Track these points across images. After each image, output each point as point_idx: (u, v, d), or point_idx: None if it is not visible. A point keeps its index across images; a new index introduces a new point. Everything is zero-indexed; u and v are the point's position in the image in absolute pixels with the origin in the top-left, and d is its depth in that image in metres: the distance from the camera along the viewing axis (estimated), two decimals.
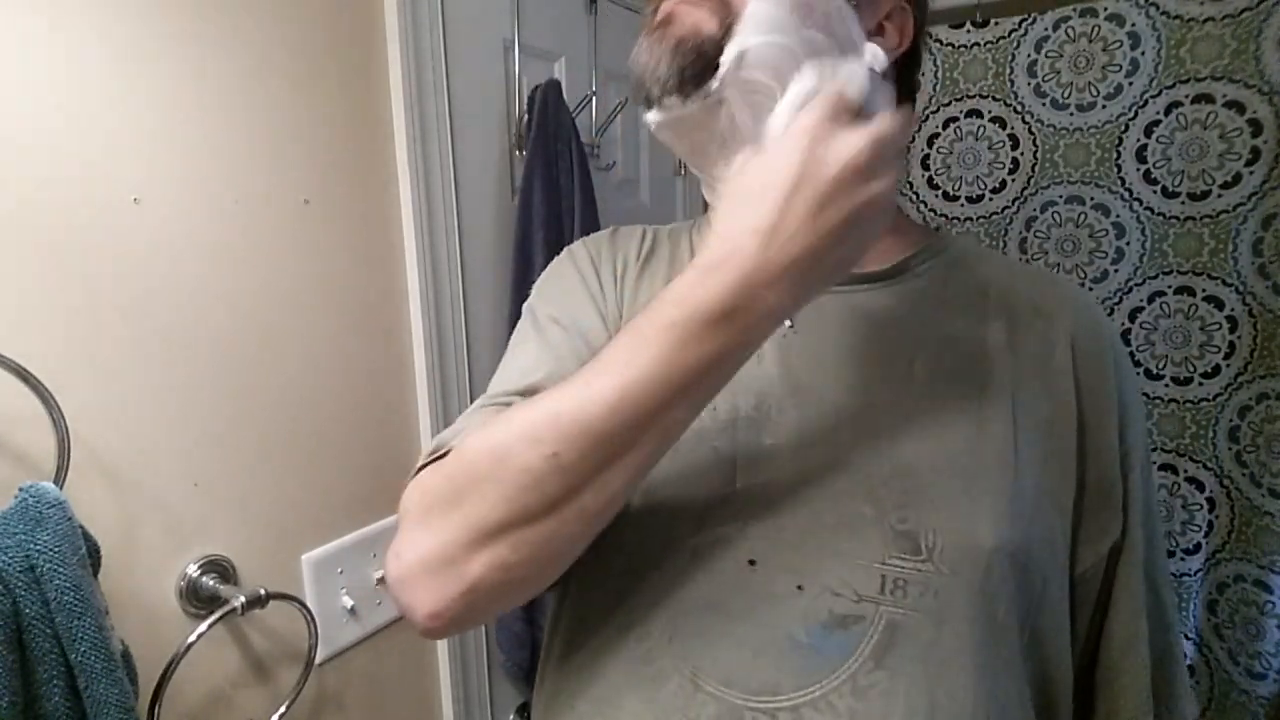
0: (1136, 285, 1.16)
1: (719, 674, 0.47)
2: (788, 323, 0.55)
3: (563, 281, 0.64)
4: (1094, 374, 0.54)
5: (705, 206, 0.61)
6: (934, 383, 0.52)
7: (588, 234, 0.68)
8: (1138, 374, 1.18)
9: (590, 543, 0.46)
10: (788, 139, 0.41)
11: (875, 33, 0.50)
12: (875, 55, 0.46)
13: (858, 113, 0.42)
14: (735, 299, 0.40)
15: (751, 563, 0.49)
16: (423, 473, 0.47)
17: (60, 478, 0.68)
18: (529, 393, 0.53)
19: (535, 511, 0.42)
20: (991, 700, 0.47)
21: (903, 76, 0.54)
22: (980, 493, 0.49)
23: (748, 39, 0.44)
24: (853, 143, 0.40)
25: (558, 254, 1.15)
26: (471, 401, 1.12)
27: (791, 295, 0.41)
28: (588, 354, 0.56)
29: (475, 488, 0.43)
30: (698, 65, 0.46)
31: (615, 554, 0.52)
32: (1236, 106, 1.06)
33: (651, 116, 0.49)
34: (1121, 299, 1.18)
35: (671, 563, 0.51)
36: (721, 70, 0.45)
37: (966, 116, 1.24)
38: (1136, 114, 1.12)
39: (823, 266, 0.41)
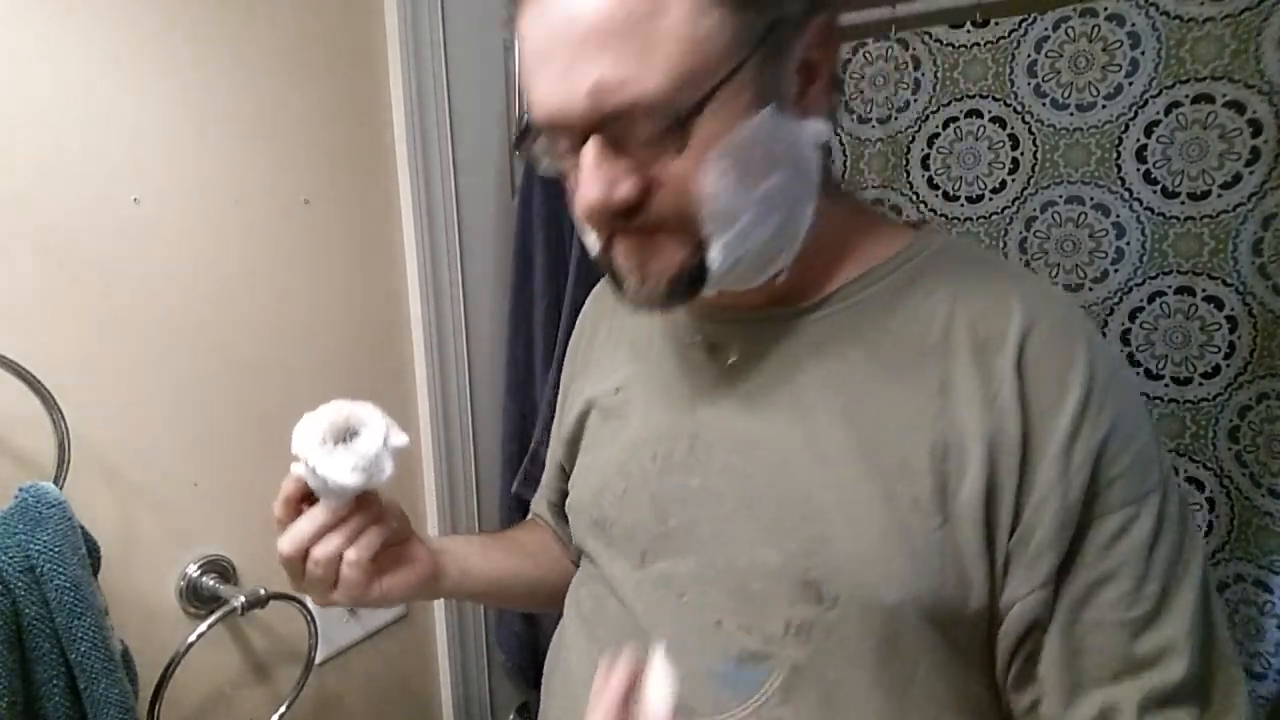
0: (1136, 285, 1.16)
1: None
2: (731, 356, 0.55)
3: (567, 350, 0.74)
4: (1045, 409, 0.46)
5: None
6: (855, 424, 0.49)
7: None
8: (1138, 374, 1.18)
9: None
10: None
11: (804, 82, 0.46)
12: (818, 134, 0.47)
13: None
14: None
15: (681, 596, 0.53)
16: None
17: (60, 478, 0.68)
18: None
19: None
20: None
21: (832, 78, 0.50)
22: (889, 544, 0.47)
23: (725, 239, 0.45)
24: None
25: (558, 255, 1.18)
26: (471, 401, 1.12)
27: None
28: (563, 440, 0.68)
29: None
30: (694, 285, 0.47)
31: (590, 575, 0.61)
32: (1236, 106, 1.05)
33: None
34: (1121, 299, 1.17)
35: (623, 591, 0.56)
36: (711, 276, 0.47)
37: (966, 116, 1.24)
38: (1136, 114, 1.12)
39: None
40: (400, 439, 0.54)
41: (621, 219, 0.45)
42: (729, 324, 0.55)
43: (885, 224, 0.56)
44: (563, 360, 0.75)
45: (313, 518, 0.54)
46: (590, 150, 0.43)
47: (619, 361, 0.64)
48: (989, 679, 0.50)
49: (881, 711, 0.48)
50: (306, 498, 0.55)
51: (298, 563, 0.55)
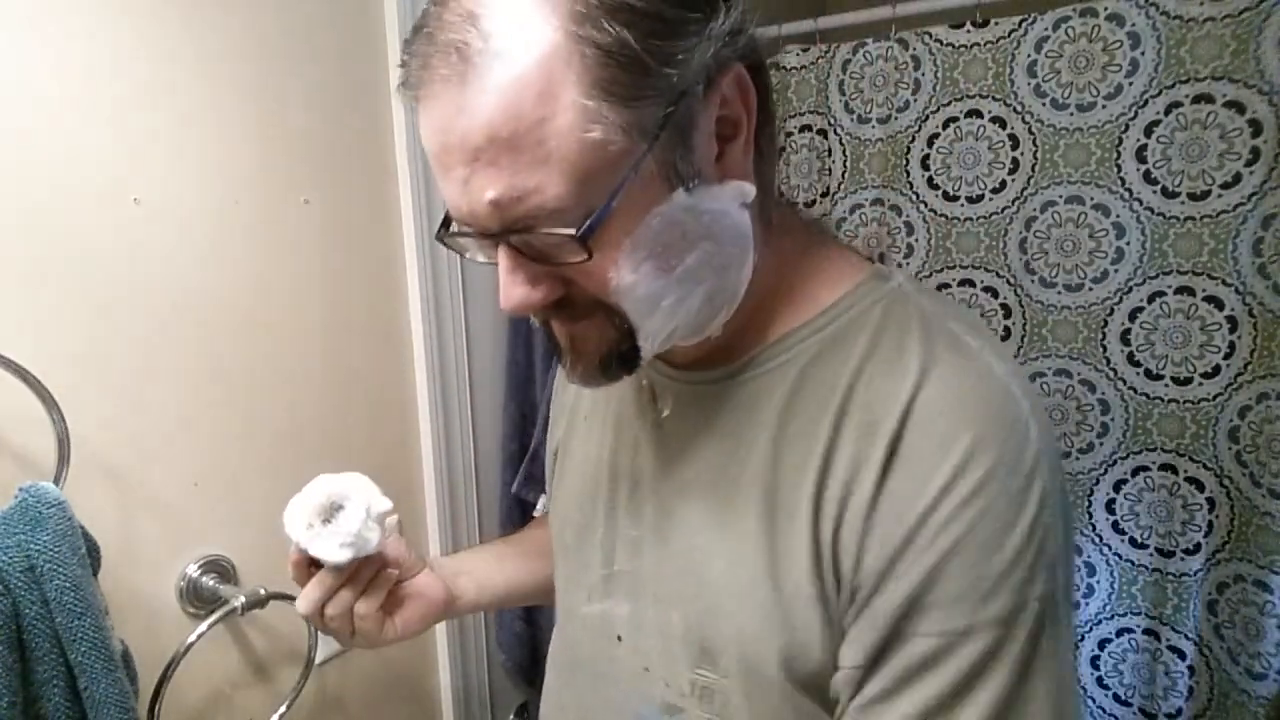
0: (1136, 285, 1.16)
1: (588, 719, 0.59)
2: (664, 410, 0.55)
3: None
4: (903, 505, 0.43)
5: None
6: (753, 497, 0.48)
7: None
8: (1138, 374, 1.18)
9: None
10: None
11: (725, 141, 0.44)
12: (742, 193, 0.44)
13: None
14: None
15: (619, 638, 0.56)
16: None
17: (60, 478, 0.68)
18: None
19: None
20: None
21: (765, 136, 0.47)
22: (772, 624, 0.46)
23: (650, 324, 0.44)
24: None
25: None
26: (472, 403, 1.12)
27: None
28: (550, 452, 0.70)
29: None
30: (627, 361, 0.47)
31: (558, 599, 0.65)
32: (1236, 106, 1.05)
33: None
34: (1121, 299, 1.18)
35: (572, 624, 0.61)
36: (643, 352, 0.46)
37: (966, 116, 1.24)
38: (1136, 114, 1.12)
39: None
40: (382, 505, 0.58)
41: (548, 310, 0.45)
42: (665, 378, 0.55)
43: (831, 264, 0.52)
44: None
45: (320, 582, 0.59)
46: (503, 257, 0.42)
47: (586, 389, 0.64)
48: None
49: None
50: (315, 561, 0.59)
51: (317, 619, 0.60)
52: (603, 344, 0.46)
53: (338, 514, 0.57)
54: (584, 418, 0.63)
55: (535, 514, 0.84)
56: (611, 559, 0.57)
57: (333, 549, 0.56)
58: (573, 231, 0.39)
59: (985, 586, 0.41)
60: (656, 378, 0.56)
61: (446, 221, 0.46)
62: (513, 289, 0.43)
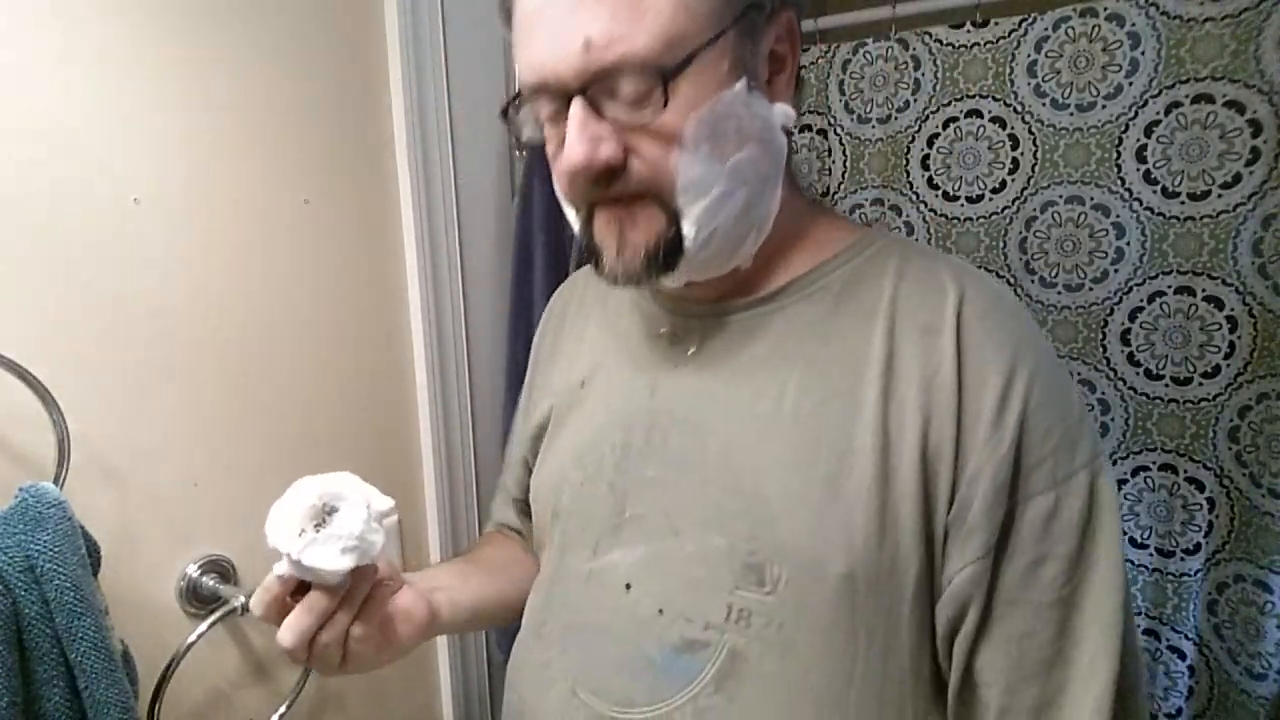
0: (1136, 285, 1.16)
1: (591, 684, 0.54)
2: (691, 348, 0.56)
3: (534, 342, 0.75)
4: (979, 392, 0.48)
5: None
6: (802, 409, 0.50)
7: None
8: (1138, 374, 1.18)
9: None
10: None
11: (772, 74, 0.50)
12: (787, 116, 0.50)
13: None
14: None
15: (628, 586, 0.54)
16: None
17: (60, 478, 0.68)
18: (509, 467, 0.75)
19: None
20: None
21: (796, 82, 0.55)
22: (832, 523, 0.48)
23: (697, 210, 0.47)
24: None
25: (558, 255, 1.17)
26: (472, 403, 1.12)
27: None
28: (528, 436, 0.68)
29: None
30: (670, 259, 0.49)
31: (544, 577, 0.62)
32: (1236, 106, 1.05)
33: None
34: (1121, 299, 1.17)
35: (572, 585, 0.58)
36: (688, 248, 0.49)
37: (966, 116, 1.24)
38: (1136, 114, 1.12)
39: None
40: (384, 503, 0.51)
41: (601, 186, 0.47)
42: (691, 317, 0.57)
43: (836, 218, 0.60)
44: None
45: (311, 607, 0.50)
46: (576, 110, 0.45)
47: (584, 352, 0.65)
48: (929, 661, 0.51)
49: (819, 702, 0.48)
50: (296, 589, 0.51)
51: (303, 650, 0.51)
52: (650, 231, 0.48)
53: (332, 517, 0.49)
54: (581, 384, 0.63)
55: (487, 529, 0.81)
56: (623, 506, 0.56)
57: (333, 556, 0.48)
58: (653, 79, 0.44)
59: (1070, 436, 0.48)
60: (679, 320, 0.58)
61: (511, 101, 0.50)
62: (579, 145, 0.45)
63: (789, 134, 0.51)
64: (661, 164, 0.46)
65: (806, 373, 0.51)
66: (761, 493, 0.50)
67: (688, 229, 0.48)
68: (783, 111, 0.50)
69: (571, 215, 0.54)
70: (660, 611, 0.52)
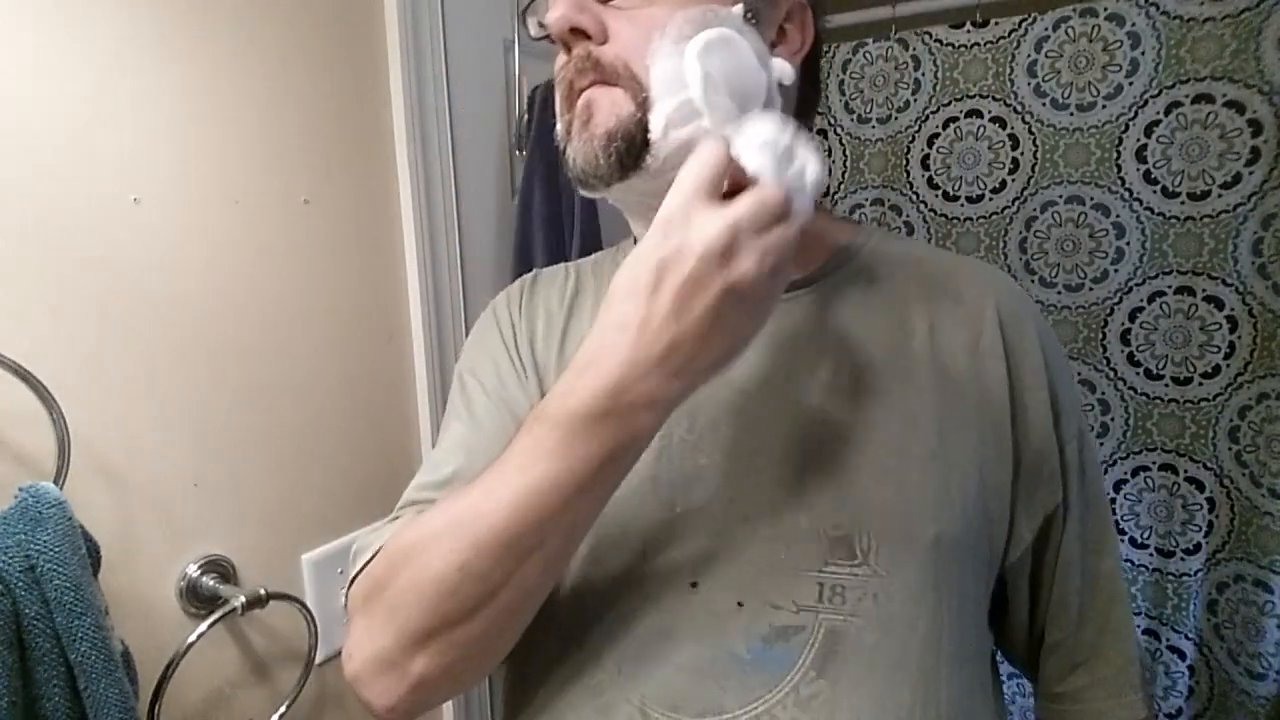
0: (1136, 285, 1.16)
1: (666, 699, 0.48)
2: None
3: (486, 343, 0.63)
4: (1022, 351, 0.55)
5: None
6: (858, 385, 0.52)
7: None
8: (1138, 374, 1.18)
9: (529, 621, 0.47)
10: (654, 228, 0.40)
11: (777, 40, 0.51)
12: (784, 71, 0.47)
13: (726, 191, 0.41)
14: (607, 399, 0.40)
15: (694, 585, 0.50)
16: (357, 579, 0.50)
17: (60, 478, 0.68)
18: (448, 484, 0.55)
19: (457, 616, 0.44)
20: (942, 698, 0.49)
21: (808, 75, 0.56)
22: (911, 490, 0.49)
23: (665, 104, 0.45)
24: (708, 229, 0.38)
25: (558, 255, 1.13)
26: None
27: (670, 389, 0.40)
28: (512, 426, 0.52)
29: (400, 597, 0.45)
30: (633, 149, 0.47)
31: (565, 595, 0.52)
32: (1236, 106, 1.06)
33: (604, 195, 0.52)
34: (1121, 299, 1.18)
35: (619, 595, 0.51)
36: (654, 143, 0.46)
37: (966, 116, 1.24)
38: (1136, 114, 1.12)
39: (698, 358, 0.40)
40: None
41: (583, 67, 0.48)
42: None
43: (829, 218, 0.62)
44: None
45: None
46: None
47: None
48: (987, 623, 0.56)
49: (921, 670, 0.48)
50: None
51: None
52: (612, 114, 0.47)
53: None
54: None
55: None
56: (672, 502, 0.51)
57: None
58: None
59: (1076, 397, 0.58)
60: None
61: None
62: (563, 6, 0.47)
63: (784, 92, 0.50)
64: (639, 48, 0.46)
65: (853, 350, 0.53)
66: (837, 467, 0.50)
67: (654, 123, 0.46)
68: (781, 66, 0.47)
69: (560, 128, 0.52)
70: (740, 604, 0.48)
